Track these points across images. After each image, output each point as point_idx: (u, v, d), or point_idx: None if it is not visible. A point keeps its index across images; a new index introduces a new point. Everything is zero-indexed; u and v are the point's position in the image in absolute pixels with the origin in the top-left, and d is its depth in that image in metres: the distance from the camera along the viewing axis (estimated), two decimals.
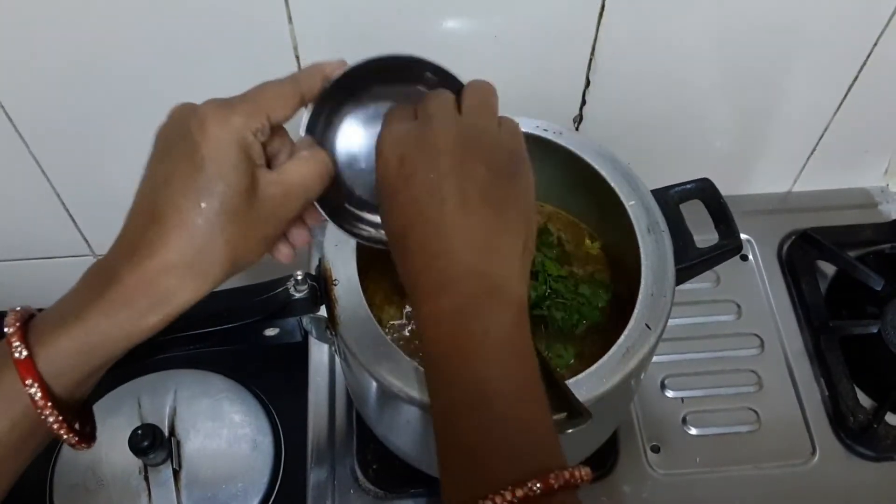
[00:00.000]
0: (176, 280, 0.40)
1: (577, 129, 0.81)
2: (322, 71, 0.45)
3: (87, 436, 0.44)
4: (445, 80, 0.47)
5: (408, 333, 0.65)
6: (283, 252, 0.47)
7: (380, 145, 0.45)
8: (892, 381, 0.76)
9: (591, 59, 0.73)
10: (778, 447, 0.75)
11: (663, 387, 0.78)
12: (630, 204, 0.61)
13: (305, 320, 0.59)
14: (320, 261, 0.59)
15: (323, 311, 0.58)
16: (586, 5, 0.68)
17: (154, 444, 0.74)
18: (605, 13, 0.69)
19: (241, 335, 0.57)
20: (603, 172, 0.62)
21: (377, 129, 0.47)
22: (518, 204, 0.43)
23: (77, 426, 0.42)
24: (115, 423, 0.79)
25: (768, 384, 0.78)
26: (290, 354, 0.75)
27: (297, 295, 0.56)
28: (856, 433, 0.75)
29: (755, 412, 0.77)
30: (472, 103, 0.45)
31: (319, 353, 0.78)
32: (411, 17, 0.67)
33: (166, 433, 0.78)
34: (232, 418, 0.81)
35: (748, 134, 0.85)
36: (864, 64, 0.77)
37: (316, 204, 0.46)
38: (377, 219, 0.50)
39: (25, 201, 0.83)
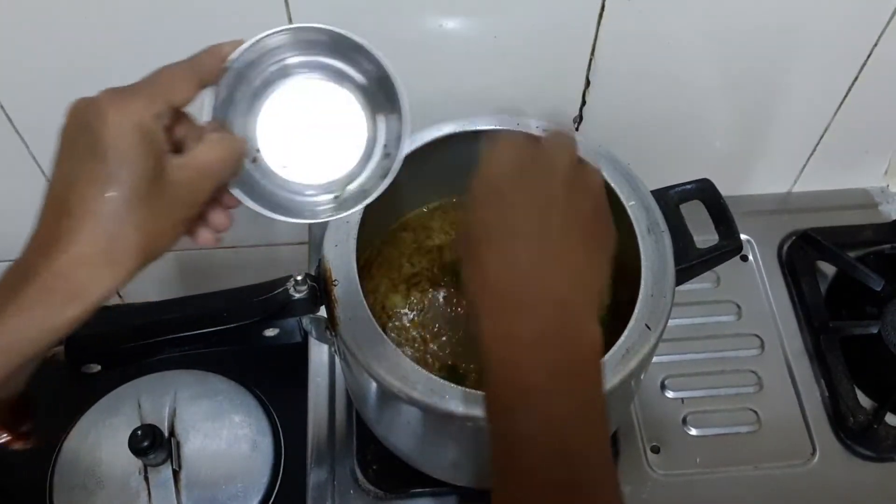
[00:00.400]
0: (90, 271, 0.39)
1: (577, 129, 0.80)
2: (220, 52, 0.45)
3: (23, 434, 0.43)
4: (350, 47, 0.47)
5: (408, 324, 0.65)
6: (204, 236, 0.46)
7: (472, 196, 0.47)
8: (892, 382, 0.76)
9: (591, 60, 0.73)
10: (778, 448, 0.75)
11: (663, 387, 0.78)
12: (630, 204, 0.61)
13: (305, 321, 0.59)
14: (320, 261, 0.59)
15: (323, 312, 0.58)
16: (586, 5, 0.68)
17: (154, 444, 0.73)
18: (605, 13, 0.69)
19: (241, 336, 0.57)
20: (603, 173, 0.62)
21: (294, 102, 0.47)
22: (603, 255, 0.46)
23: (16, 426, 0.42)
24: (115, 424, 0.79)
25: (768, 385, 0.78)
26: (290, 355, 0.75)
27: (297, 295, 0.56)
28: (856, 433, 0.75)
29: (755, 413, 0.76)
30: (563, 162, 0.47)
31: (319, 353, 0.78)
32: (411, 17, 0.67)
33: (166, 434, 0.78)
34: (232, 419, 0.81)
35: (748, 134, 0.85)
36: (865, 64, 0.77)
37: (236, 191, 0.46)
38: (306, 199, 0.49)
39: (25, 201, 0.82)
